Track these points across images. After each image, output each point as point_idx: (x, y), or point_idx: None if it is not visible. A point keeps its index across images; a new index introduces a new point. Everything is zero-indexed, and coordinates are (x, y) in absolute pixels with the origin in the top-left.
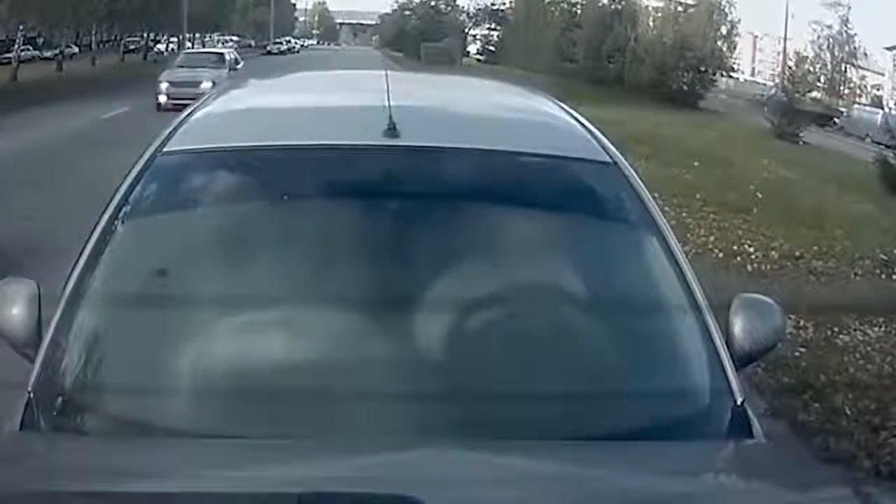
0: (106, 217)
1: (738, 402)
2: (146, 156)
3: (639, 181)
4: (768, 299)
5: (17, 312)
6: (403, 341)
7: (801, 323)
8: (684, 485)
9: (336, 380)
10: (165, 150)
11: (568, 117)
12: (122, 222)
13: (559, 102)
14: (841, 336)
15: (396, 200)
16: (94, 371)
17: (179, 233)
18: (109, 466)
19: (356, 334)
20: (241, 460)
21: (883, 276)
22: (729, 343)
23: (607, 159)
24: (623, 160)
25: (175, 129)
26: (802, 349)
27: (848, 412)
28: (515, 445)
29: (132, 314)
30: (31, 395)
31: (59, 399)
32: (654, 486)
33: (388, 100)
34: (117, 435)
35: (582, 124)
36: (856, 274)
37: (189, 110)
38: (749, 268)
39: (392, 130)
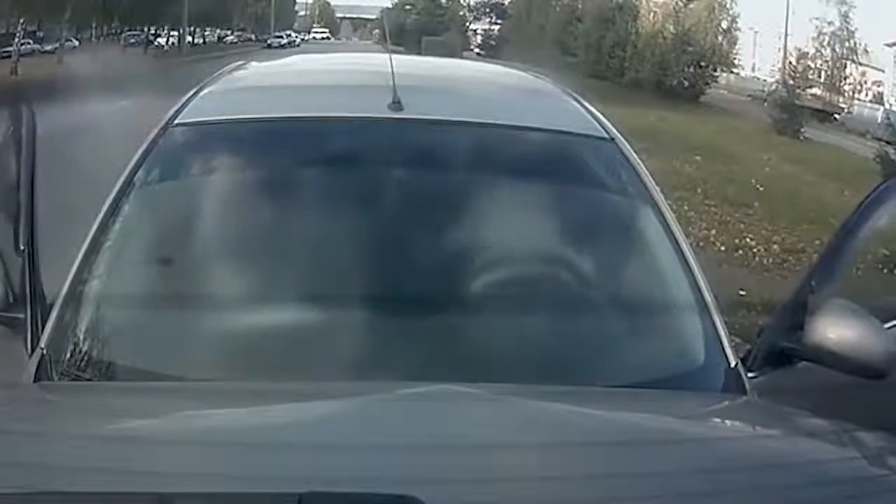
0: (119, 184)
1: (732, 365)
2: (157, 128)
3: (635, 156)
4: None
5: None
6: (408, 294)
7: None
8: (678, 428)
9: (354, 332)
10: (177, 122)
11: (567, 97)
12: (135, 189)
13: (559, 84)
14: None
15: (401, 170)
16: (103, 329)
17: (192, 199)
18: (114, 408)
19: (364, 290)
20: (247, 404)
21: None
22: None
23: (606, 135)
24: (621, 137)
25: (185, 105)
26: None
27: None
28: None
29: (141, 277)
30: (44, 351)
31: (70, 354)
32: (648, 428)
33: (393, 78)
34: (122, 382)
35: (581, 103)
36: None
37: (197, 88)
38: (751, 262)
39: (397, 105)
